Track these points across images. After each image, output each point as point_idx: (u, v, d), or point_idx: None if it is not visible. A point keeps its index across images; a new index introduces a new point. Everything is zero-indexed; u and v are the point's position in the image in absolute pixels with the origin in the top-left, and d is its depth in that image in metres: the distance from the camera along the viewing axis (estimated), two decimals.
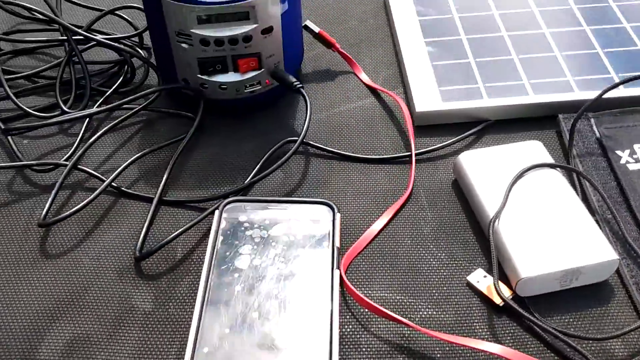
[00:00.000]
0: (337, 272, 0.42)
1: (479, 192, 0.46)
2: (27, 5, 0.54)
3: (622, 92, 0.53)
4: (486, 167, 0.47)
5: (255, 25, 0.50)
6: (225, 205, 0.46)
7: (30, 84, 0.58)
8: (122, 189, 0.49)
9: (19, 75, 0.56)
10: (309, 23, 0.58)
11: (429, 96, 0.54)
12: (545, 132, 0.53)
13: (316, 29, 0.58)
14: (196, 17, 0.49)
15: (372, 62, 0.60)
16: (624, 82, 0.50)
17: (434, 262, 0.44)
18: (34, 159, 0.52)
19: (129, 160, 0.50)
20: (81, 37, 0.54)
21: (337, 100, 0.57)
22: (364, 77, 0.58)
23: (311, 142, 0.52)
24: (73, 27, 0.53)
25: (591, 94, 0.53)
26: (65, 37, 0.54)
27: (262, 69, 0.53)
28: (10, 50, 0.59)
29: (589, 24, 0.60)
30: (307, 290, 0.41)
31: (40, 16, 0.54)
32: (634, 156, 0.48)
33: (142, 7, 0.61)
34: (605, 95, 0.52)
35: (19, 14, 0.62)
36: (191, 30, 0.49)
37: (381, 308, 0.39)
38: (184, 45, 0.50)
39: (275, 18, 0.50)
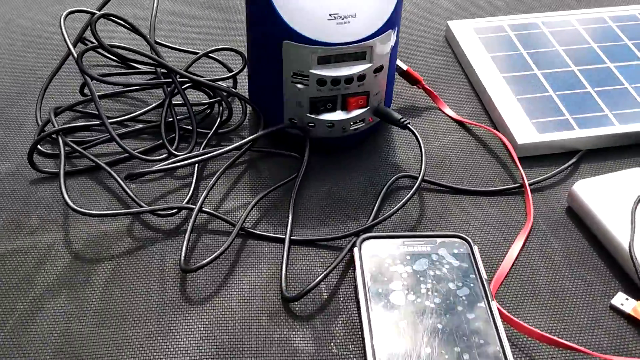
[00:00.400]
0: (494, 304, 0.43)
1: (604, 219, 0.48)
2: (132, 48, 0.53)
3: None
4: (603, 194, 0.49)
5: (370, 65, 0.51)
6: (362, 242, 0.46)
7: (121, 127, 0.57)
8: (250, 230, 0.48)
9: (119, 118, 0.55)
10: (397, 61, 0.60)
11: (524, 129, 0.56)
12: (637, 160, 0.56)
13: (404, 67, 0.60)
14: (317, 57, 0.49)
15: (450, 98, 0.62)
16: None
17: (572, 289, 0.46)
18: (147, 203, 0.50)
19: (253, 202, 0.50)
20: (184, 79, 0.54)
21: (430, 136, 0.58)
22: (449, 111, 0.60)
23: (425, 178, 0.53)
24: (178, 69, 0.52)
25: None
26: (170, 79, 0.53)
27: (368, 107, 0.54)
28: (103, 94, 0.58)
29: None
30: (470, 323, 0.42)
31: (146, 59, 0.53)
32: None
33: (238, 50, 0.61)
34: None
35: (118, 56, 0.61)
36: (310, 71, 0.50)
37: (550, 336, 0.40)
38: (299, 85, 0.51)
39: (386, 57, 0.52)
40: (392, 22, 0.50)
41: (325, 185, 0.53)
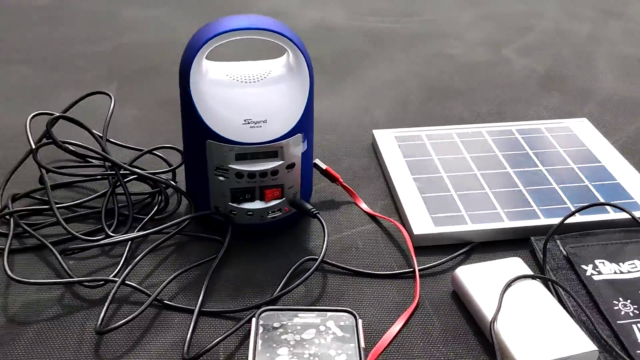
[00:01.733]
0: None
1: (477, 300, 0.54)
2: (82, 144, 0.63)
3: (578, 218, 0.65)
4: (479, 279, 0.56)
5: (282, 162, 0.60)
6: (260, 314, 0.53)
7: (70, 212, 0.65)
8: (165, 301, 0.55)
9: (63, 205, 0.63)
10: (317, 161, 0.69)
11: (423, 222, 0.64)
12: (520, 252, 0.63)
13: (323, 166, 0.69)
14: (235, 154, 0.58)
15: (368, 194, 0.71)
16: (579, 210, 0.62)
17: None
18: (81, 277, 0.57)
19: (170, 277, 0.57)
20: (126, 172, 0.63)
21: (343, 226, 0.66)
22: (364, 206, 0.68)
23: (327, 260, 0.60)
24: (121, 163, 0.61)
25: (554, 220, 0.64)
26: (114, 172, 0.62)
27: (284, 198, 0.62)
28: (53, 184, 0.67)
29: (544, 165, 0.73)
30: None
31: (93, 154, 0.62)
32: (596, 269, 0.58)
33: (176, 147, 0.70)
34: (566, 221, 0.64)
35: (69, 151, 0.70)
36: (229, 165, 0.59)
37: None
38: (220, 177, 0.60)
39: (297, 156, 0.61)
40: (300, 128, 0.60)
41: (241, 265, 0.60)
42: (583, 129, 0.80)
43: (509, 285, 0.55)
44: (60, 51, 1.01)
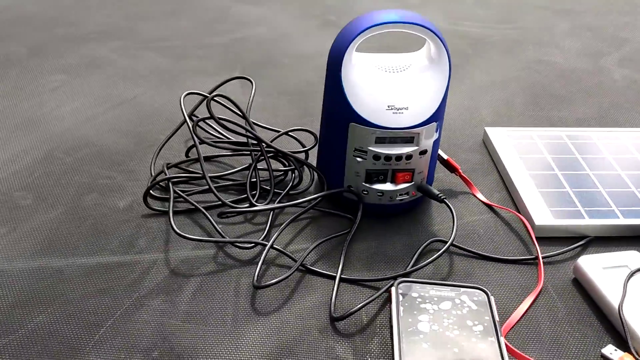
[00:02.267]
0: (502, 339, 0.52)
1: (602, 287, 0.57)
2: (233, 121, 0.69)
3: None
4: (602, 268, 0.59)
5: (416, 148, 0.64)
6: (399, 284, 0.57)
7: (214, 183, 0.71)
8: (309, 267, 0.60)
9: (211, 175, 0.69)
10: (440, 151, 0.73)
11: (543, 214, 0.68)
12: (635, 248, 0.65)
13: (445, 156, 0.73)
14: (375, 137, 0.63)
15: (483, 186, 0.74)
16: None
17: (570, 339, 0.55)
18: (231, 238, 0.63)
19: (312, 246, 0.62)
20: (269, 149, 0.68)
21: (463, 214, 0.70)
22: (481, 196, 0.72)
23: (455, 244, 0.64)
24: (266, 141, 0.67)
25: None
26: (257, 149, 0.68)
27: (412, 182, 0.66)
28: (203, 156, 0.73)
29: None
30: (481, 351, 0.51)
31: (244, 131, 0.68)
32: None
33: (309, 130, 0.76)
34: None
35: (224, 126, 0.75)
36: (369, 147, 0.64)
37: None
38: (358, 158, 0.65)
39: (429, 144, 0.65)
40: (435, 117, 0.64)
41: (372, 241, 0.65)
42: None
43: (633, 274, 0.58)
44: (183, 42, 1.09)
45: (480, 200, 0.72)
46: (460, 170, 0.74)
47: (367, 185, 0.66)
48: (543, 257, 0.64)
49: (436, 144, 0.67)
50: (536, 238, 0.66)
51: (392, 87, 0.63)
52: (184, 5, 1.24)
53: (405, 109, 0.63)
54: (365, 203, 0.67)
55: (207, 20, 1.17)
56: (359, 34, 0.61)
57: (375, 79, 0.64)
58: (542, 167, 0.76)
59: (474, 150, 0.81)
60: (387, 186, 0.66)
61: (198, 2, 1.26)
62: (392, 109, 0.63)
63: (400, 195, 0.67)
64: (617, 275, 0.59)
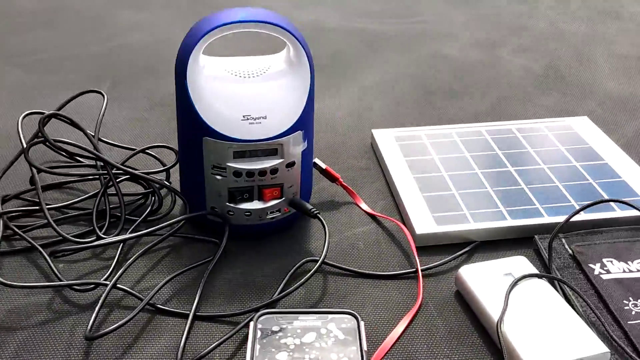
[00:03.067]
0: None
1: (482, 300, 0.53)
2: (74, 143, 0.60)
3: (583, 216, 0.63)
4: (484, 279, 0.54)
5: (281, 160, 0.58)
6: (258, 317, 0.51)
7: (61, 214, 0.63)
8: (158, 305, 0.53)
9: (53, 206, 0.61)
10: (317, 160, 0.67)
11: (425, 221, 0.63)
12: (524, 251, 0.61)
13: (323, 166, 0.67)
14: (233, 152, 0.57)
15: (368, 194, 0.69)
16: (585, 207, 0.61)
17: None
18: (71, 280, 0.55)
19: (164, 281, 0.55)
20: (119, 172, 0.61)
21: (344, 226, 0.64)
22: (364, 206, 0.67)
23: (328, 262, 0.59)
24: (113, 162, 0.59)
25: (558, 219, 0.63)
26: (105, 172, 0.60)
27: (283, 198, 0.60)
28: (44, 185, 0.64)
29: (546, 163, 0.72)
30: None
31: (87, 153, 0.60)
32: (605, 268, 0.57)
33: (169, 146, 0.69)
34: (571, 220, 0.62)
35: (63, 151, 0.68)
36: (227, 164, 0.57)
37: None
38: (217, 176, 0.58)
39: (297, 155, 0.59)
40: (300, 125, 0.58)
41: (238, 268, 0.58)
42: (584, 127, 0.79)
43: (515, 284, 0.54)
44: (52, 54, 0.99)
45: (363, 210, 0.67)
46: (341, 180, 0.68)
47: (232, 205, 0.59)
48: (424, 270, 0.58)
49: (307, 153, 0.61)
50: (418, 248, 0.61)
51: (248, 95, 0.57)
52: (61, 13, 1.14)
53: (263, 118, 0.57)
54: (232, 225, 0.60)
55: (82, 29, 1.08)
56: (202, 36, 0.55)
57: (228, 86, 0.57)
58: (429, 168, 0.71)
59: (362, 155, 0.76)
60: (255, 204, 0.60)
61: (76, 9, 1.16)
62: (248, 119, 0.56)
63: (271, 213, 0.60)
64: (500, 285, 0.54)
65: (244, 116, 0.56)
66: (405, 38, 1.07)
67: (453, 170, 0.71)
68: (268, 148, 0.57)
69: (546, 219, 0.63)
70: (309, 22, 1.12)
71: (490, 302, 0.52)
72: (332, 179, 0.68)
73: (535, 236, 0.62)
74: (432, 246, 0.62)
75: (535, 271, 0.55)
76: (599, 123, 0.83)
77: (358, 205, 0.67)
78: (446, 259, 0.59)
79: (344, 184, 0.68)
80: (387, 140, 0.76)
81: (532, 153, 0.74)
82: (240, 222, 0.60)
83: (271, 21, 0.55)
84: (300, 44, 0.57)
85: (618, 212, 0.64)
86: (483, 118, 0.84)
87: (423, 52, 1.02)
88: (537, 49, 1.04)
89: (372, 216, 0.66)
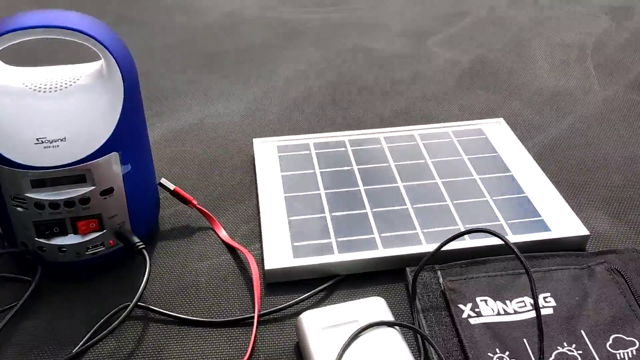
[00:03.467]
0: None
1: (315, 355, 0.43)
2: None
3: (465, 243, 0.54)
4: (326, 327, 0.45)
5: (92, 188, 0.49)
6: None
7: None
8: None
9: None
10: (163, 181, 0.58)
11: (281, 252, 0.53)
12: (394, 285, 0.52)
13: (171, 187, 0.58)
14: (30, 181, 0.48)
15: (234, 216, 0.60)
16: (451, 239, 0.48)
17: None
18: None
19: None
20: None
21: (191, 259, 0.55)
22: (223, 233, 0.58)
23: (150, 306, 0.50)
24: None
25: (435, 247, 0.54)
26: None
27: (105, 230, 0.51)
28: None
29: (442, 177, 0.63)
30: None
31: None
32: (476, 310, 0.48)
33: None
34: (452, 247, 0.53)
35: None
36: (25, 194, 0.48)
37: None
38: (19, 209, 0.49)
39: (115, 180, 0.50)
40: (114, 146, 0.49)
41: (49, 313, 0.50)
42: (497, 132, 0.69)
43: (355, 337, 0.44)
44: None
45: (220, 238, 0.58)
46: (194, 202, 0.59)
47: (42, 240, 0.50)
48: (263, 315, 0.49)
49: (135, 176, 0.52)
50: (269, 286, 0.52)
51: (43, 113, 0.48)
52: None
53: (61, 140, 0.48)
54: (47, 262, 0.52)
55: None
56: None
57: (21, 102, 0.48)
58: (306, 186, 0.61)
59: (240, 168, 0.67)
60: (70, 239, 0.51)
61: None
62: (43, 141, 0.47)
63: (93, 248, 0.51)
64: (340, 337, 0.45)
65: (37, 139, 0.47)
66: (328, 29, 0.97)
67: (334, 188, 0.61)
68: (72, 175, 0.48)
69: (423, 247, 0.54)
70: (226, 12, 1.03)
71: (325, 358, 0.43)
72: (185, 201, 0.59)
73: (407, 268, 0.52)
74: (289, 283, 0.52)
75: (389, 316, 0.46)
76: (519, 125, 0.73)
77: (216, 232, 0.58)
78: (293, 301, 0.50)
79: (199, 206, 0.59)
80: (268, 151, 0.67)
81: (430, 164, 0.64)
82: (55, 258, 0.51)
83: (71, 27, 0.46)
84: (110, 52, 0.48)
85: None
86: (391, 121, 0.74)
87: (344, 44, 0.92)
88: (471, 39, 0.94)
89: (229, 246, 0.57)
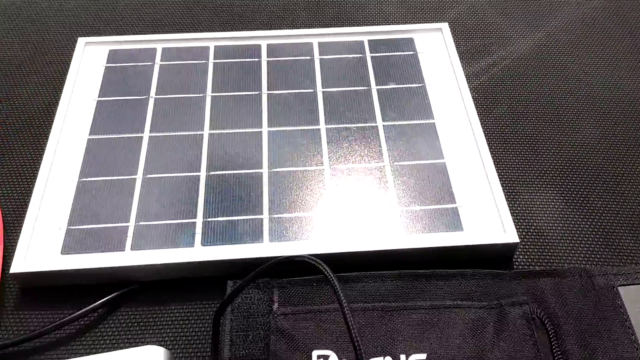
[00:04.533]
0: None
1: None
2: None
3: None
4: None
5: None
6: None
7: None
8: None
9: None
10: None
11: (44, 249, 0.35)
12: (211, 304, 0.34)
13: None
14: None
15: None
16: (270, 265, 0.31)
17: None
18: None
19: None
20: None
21: None
22: None
23: None
24: None
25: (282, 247, 0.35)
26: None
27: None
28: None
29: None
30: None
31: None
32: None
33: None
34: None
35: None
36: None
37: None
38: None
39: None
40: None
41: None
42: (434, 46, 0.47)
43: None
44: None
45: None
46: None
47: None
48: None
49: None
50: (24, 295, 0.34)
51: None
52: None
53: None
54: None
55: None
56: None
57: None
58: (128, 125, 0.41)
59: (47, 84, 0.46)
60: None
61: None
62: None
63: None
64: None
65: None
66: None
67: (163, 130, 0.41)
68: None
69: (267, 248, 0.35)
70: None
71: None
72: None
73: (229, 282, 0.34)
74: (55, 289, 0.35)
75: None
76: (470, 35, 0.50)
77: None
78: (33, 333, 0.32)
79: None
80: (93, 59, 0.45)
81: (319, 98, 0.43)
82: None
83: None
84: None
85: None
86: (271, 22, 0.51)
87: None
88: None
89: None
